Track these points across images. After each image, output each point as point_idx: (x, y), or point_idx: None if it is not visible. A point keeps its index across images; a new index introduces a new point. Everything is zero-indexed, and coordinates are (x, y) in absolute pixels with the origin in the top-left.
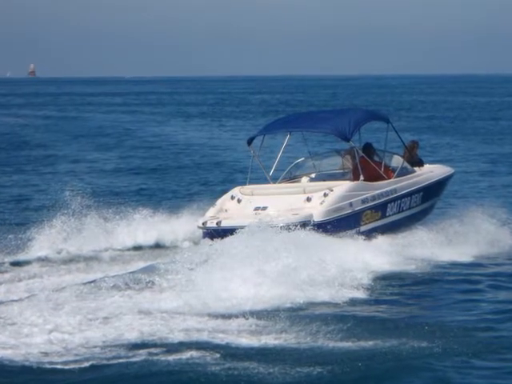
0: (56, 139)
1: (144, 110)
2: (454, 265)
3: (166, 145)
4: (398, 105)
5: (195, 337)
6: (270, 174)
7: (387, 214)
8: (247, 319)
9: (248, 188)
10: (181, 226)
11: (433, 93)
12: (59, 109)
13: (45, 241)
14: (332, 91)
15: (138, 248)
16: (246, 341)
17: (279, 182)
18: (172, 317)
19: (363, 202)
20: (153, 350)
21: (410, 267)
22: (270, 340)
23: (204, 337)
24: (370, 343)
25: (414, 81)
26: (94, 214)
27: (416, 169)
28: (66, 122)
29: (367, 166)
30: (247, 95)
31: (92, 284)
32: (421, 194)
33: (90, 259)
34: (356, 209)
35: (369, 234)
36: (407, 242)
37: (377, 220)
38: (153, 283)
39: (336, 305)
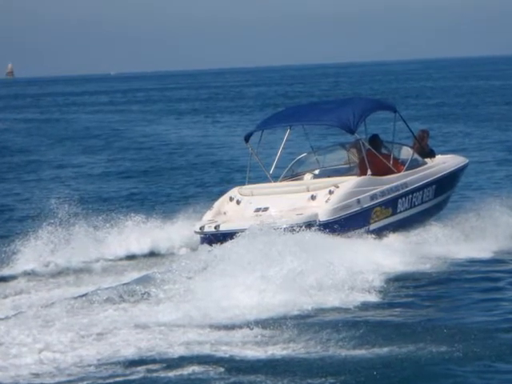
0: (39, 143)
1: (132, 108)
2: (472, 262)
3: (158, 145)
4: (404, 92)
5: (197, 350)
6: (271, 172)
7: (398, 211)
8: (252, 329)
9: (247, 188)
10: (176, 232)
11: (442, 78)
12: (41, 111)
13: (31, 253)
14: (333, 80)
15: (131, 257)
16: (252, 352)
17: (280, 181)
18: (171, 330)
19: (372, 198)
20: (152, 367)
21: (425, 266)
22: (277, 351)
23: (206, 350)
24: (385, 350)
25: (421, 66)
26: (82, 223)
27: (427, 160)
28: (48, 125)
29: (375, 159)
30: (242, 88)
31: (83, 298)
32: (433, 187)
33: (81, 271)
34: (364, 206)
35: (379, 233)
36: (421, 239)
37: (387, 217)
38: (149, 295)
39: (347, 310)
